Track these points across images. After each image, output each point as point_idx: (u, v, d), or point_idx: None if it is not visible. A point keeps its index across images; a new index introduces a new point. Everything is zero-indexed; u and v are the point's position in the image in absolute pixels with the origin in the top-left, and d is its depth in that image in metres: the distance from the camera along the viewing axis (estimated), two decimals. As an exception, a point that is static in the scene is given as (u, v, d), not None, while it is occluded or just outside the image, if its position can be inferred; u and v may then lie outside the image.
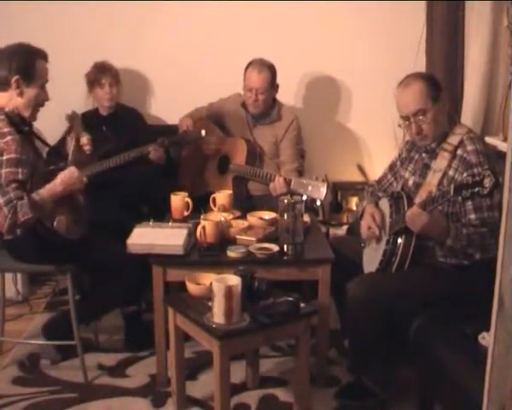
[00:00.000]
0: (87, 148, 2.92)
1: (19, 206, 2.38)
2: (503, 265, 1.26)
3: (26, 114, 2.57)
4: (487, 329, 1.37)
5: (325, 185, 2.68)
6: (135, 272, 2.64)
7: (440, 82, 2.58)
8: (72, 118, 2.94)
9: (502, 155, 2.52)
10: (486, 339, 1.94)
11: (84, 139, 2.92)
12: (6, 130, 2.45)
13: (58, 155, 2.84)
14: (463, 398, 1.86)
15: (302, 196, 2.73)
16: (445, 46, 3.33)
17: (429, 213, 2.28)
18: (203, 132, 3.29)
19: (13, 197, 2.38)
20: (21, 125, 2.54)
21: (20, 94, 2.53)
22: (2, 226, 2.41)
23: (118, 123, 3.47)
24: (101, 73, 3.42)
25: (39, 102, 2.60)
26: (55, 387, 2.65)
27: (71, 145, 2.80)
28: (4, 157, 2.41)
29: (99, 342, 3.02)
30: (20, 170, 2.42)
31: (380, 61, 3.70)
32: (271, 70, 3.29)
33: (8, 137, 2.44)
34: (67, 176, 2.58)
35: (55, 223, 2.51)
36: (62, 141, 3.22)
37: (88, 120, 3.44)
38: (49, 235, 2.52)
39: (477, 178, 2.06)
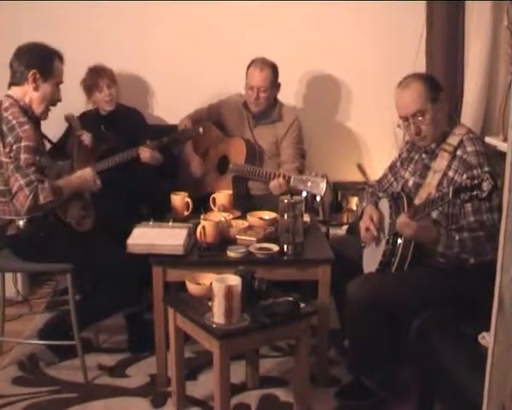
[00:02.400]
0: (86, 143, 2.99)
1: (40, 188, 2.44)
2: (503, 265, 1.26)
3: (39, 110, 2.64)
4: (487, 329, 1.37)
5: (324, 181, 2.68)
6: (134, 273, 2.64)
7: (440, 82, 2.58)
8: (69, 118, 3.05)
9: (502, 155, 2.52)
10: (486, 339, 1.94)
11: (84, 136, 2.98)
12: (23, 119, 2.53)
13: (59, 153, 2.87)
14: (463, 398, 1.86)
15: (302, 192, 2.73)
16: (445, 46, 3.33)
17: (417, 223, 2.29)
18: (201, 130, 3.29)
19: (34, 179, 2.45)
20: (33, 120, 2.61)
21: (36, 88, 2.60)
22: (23, 206, 2.46)
23: (117, 122, 3.46)
24: (97, 77, 3.40)
25: (53, 100, 2.67)
26: (55, 387, 2.65)
27: (74, 144, 2.90)
28: (23, 144, 2.48)
29: (99, 343, 3.02)
30: (37, 157, 2.50)
31: (380, 61, 3.70)
32: (273, 69, 3.30)
33: (27, 126, 2.52)
34: (85, 174, 2.72)
35: (67, 214, 2.62)
36: (63, 140, 3.25)
37: (87, 120, 3.45)
38: (61, 225, 2.60)
39: (476, 182, 2.06)
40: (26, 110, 2.59)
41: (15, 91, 2.62)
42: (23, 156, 2.46)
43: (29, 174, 2.45)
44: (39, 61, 2.60)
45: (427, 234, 2.33)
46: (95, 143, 3.07)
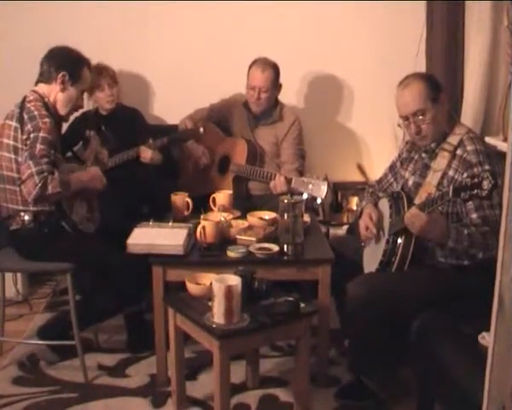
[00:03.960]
0: (105, 161, 3.13)
1: (49, 179, 2.50)
2: (503, 265, 1.26)
3: (63, 111, 2.73)
4: (487, 329, 1.37)
5: (326, 184, 2.69)
6: (134, 273, 2.64)
7: (440, 82, 2.58)
8: (92, 136, 3.20)
9: (502, 155, 2.52)
10: (486, 339, 1.94)
11: (103, 155, 3.12)
12: (44, 112, 2.60)
13: (63, 148, 2.91)
14: (463, 398, 1.86)
15: (303, 194, 2.73)
16: (445, 46, 3.33)
17: (428, 215, 2.27)
18: (201, 130, 3.29)
19: (45, 169, 2.51)
20: (55, 118, 2.68)
21: (63, 90, 2.69)
22: (30, 194, 2.50)
23: (117, 123, 3.46)
24: (98, 76, 3.39)
25: (76, 105, 2.77)
26: (55, 387, 2.65)
27: (89, 157, 3.03)
28: (41, 134, 2.54)
29: (99, 342, 3.02)
30: (52, 151, 2.57)
31: (380, 61, 3.70)
32: (275, 69, 3.30)
33: (47, 119, 2.58)
34: (92, 172, 2.80)
35: (72, 211, 2.67)
36: (65, 138, 3.27)
37: (87, 120, 3.44)
38: (65, 221, 2.65)
39: (476, 180, 2.06)
40: (48, 107, 2.65)
41: (42, 88, 2.69)
42: (39, 146, 2.52)
43: (41, 164, 2.50)
44: (70, 64, 2.69)
45: (438, 227, 2.30)
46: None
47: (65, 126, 3.37)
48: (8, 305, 3.13)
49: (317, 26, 3.72)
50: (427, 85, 2.46)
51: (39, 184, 2.47)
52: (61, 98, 2.69)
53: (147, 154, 3.26)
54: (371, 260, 2.58)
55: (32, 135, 2.53)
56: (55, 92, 2.69)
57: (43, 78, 2.70)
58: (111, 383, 2.70)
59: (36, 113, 2.57)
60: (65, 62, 2.69)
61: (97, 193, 2.84)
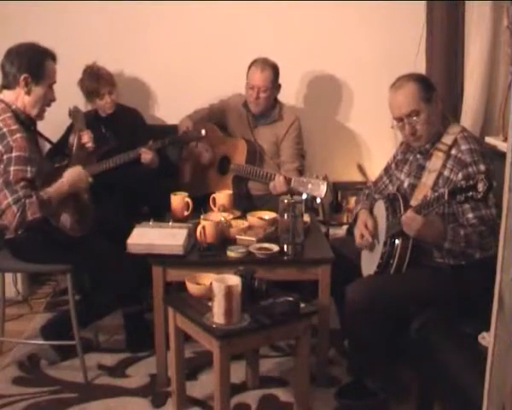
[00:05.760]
0: (89, 145, 2.95)
1: (28, 204, 2.39)
2: (502, 265, 1.26)
3: (33, 112, 2.58)
4: (487, 329, 1.37)
5: (325, 183, 2.69)
6: (134, 273, 2.64)
7: (433, 82, 2.57)
8: (73, 113, 3.00)
9: (502, 155, 2.52)
10: (486, 339, 1.94)
11: (85, 137, 2.94)
12: (14, 127, 2.47)
13: (60, 152, 2.85)
14: (463, 398, 1.86)
15: (302, 194, 2.73)
16: (445, 46, 3.33)
17: (425, 217, 2.27)
18: (203, 132, 3.29)
19: (22, 196, 2.39)
20: (27, 123, 2.57)
21: (28, 92, 2.54)
22: (11, 224, 2.42)
23: (117, 124, 3.46)
24: (97, 84, 3.35)
25: (47, 101, 2.62)
26: (55, 387, 2.65)
27: (73, 143, 2.84)
28: (13, 154, 2.42)
29: (99, 342, 3.02)
30: (28, 168, 2.44)
31: (380, 61, 3.69)
32: (274, 69, 3.30)
33: (18, 135, 2.45)
34: (73, 174, 2.63)
35: (60, 221, 2.55)
36: (64, 139, 3.25)
37: (87, 122, 3.44)
38: (54, 232, 2.55)
39: (471, 183, 2.05)
40: (18, 114, 2.53)
41: (7, 95, 2.56)
42: (13, 169, 2.41)
43: (17, 190, 2.40)
44: (30, 64, 2.53)
45: (434, 229, 2.30)
46: (95, 145, 3.05)
47: (62, 127, 3.39)
48: (8, 305, 3.13)
49: (317, 26, 3.72)
50: (419, 86, 2.45)
51: (18, 213, 2.37)
52: (28, 101, 2.54)
53: (147, 156, 3.24)
54: (369, 262, 2.57)
55: (4, 157, 2.42)
56: (21, 97, 2.54)
57: (7, 82, 2.55)
58: (111, 383, 2.70)
59: (5, 130, 2.45)
60: (24, 63, 2.51)
61: (85, 191, 2.72)
